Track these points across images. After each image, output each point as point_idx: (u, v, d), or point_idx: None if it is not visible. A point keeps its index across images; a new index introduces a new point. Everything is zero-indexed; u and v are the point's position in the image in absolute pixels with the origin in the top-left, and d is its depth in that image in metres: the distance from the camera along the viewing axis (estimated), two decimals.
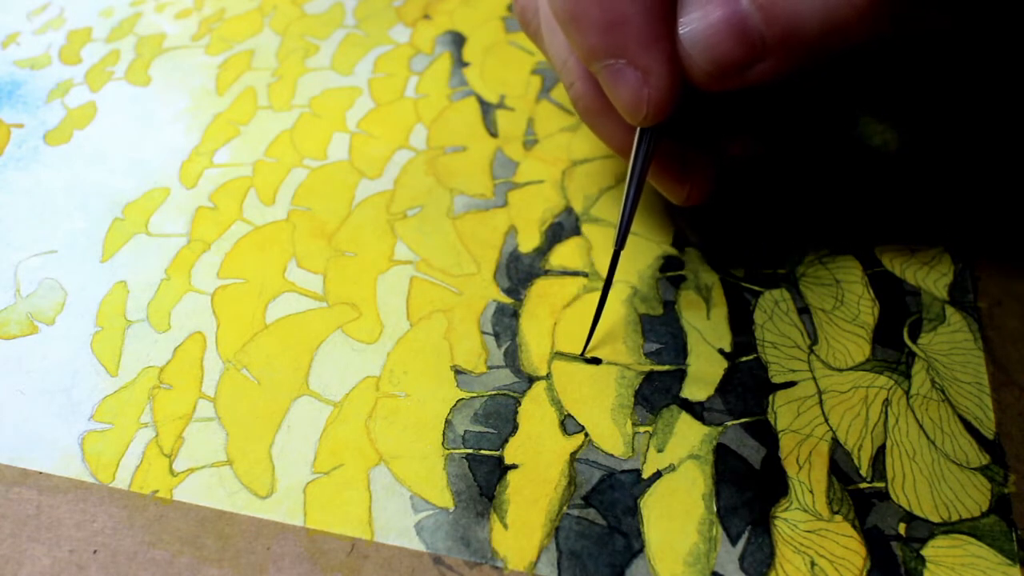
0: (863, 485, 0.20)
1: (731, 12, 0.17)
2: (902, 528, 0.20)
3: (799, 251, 0.25)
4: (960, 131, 0.28)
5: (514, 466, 0.21)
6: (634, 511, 0.20)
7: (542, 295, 0.24)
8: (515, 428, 0.21)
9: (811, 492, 0.20)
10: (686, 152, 0.22)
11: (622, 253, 0.21)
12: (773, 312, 0.24)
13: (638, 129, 0.20)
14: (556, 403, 0.22)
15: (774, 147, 0.23)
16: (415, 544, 0.19)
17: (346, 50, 0.32)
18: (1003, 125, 0.28)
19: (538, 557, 0.19)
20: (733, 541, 0.19)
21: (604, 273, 0.25)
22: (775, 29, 0.17)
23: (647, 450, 0.21)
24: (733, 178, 0.26)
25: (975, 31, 0.26)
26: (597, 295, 0.24)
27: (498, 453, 0.21)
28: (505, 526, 0.20)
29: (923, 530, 0.19)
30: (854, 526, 0.20)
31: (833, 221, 0.26)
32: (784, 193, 0.27)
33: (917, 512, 0.20)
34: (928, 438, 0.21)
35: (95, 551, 0.20)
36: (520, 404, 0.22)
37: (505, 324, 0.24)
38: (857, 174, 0.27)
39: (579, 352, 0.23)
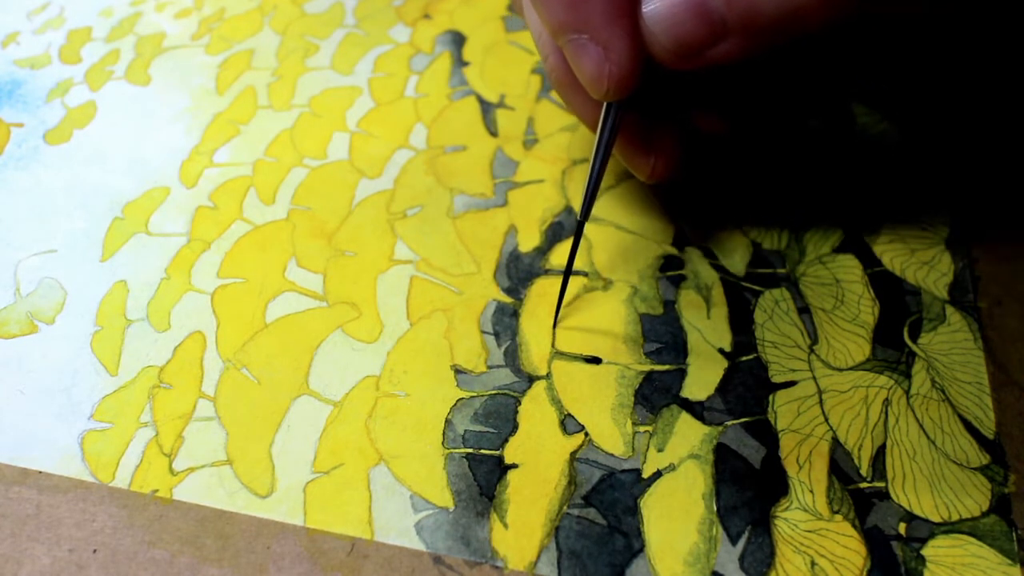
0: (863, 485, 0.20)
1: None
2: (902, 528, 0.19)
3: (798, 244, 0.25)
4: (957, 125, 0.28)
5: (514, 466, 0.21)
6: (634, 511, 0.20)
7: (542, 294, 0.24)
8: (515, 428, 0.21)
9: (811, 492, 0.20)
10: (652, 127, 0.22)
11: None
12: (773, 312, 0.24)
13: (604, 103, 0.20)
14: (556, 403, 0.22)
15: (739, 125, 0.24)
16: (415, 544, 0.19)
17: (346, 50, 0.32)
18: (1001, 120, 0.28)
19: (538, 557, 0.19)
20: (733, 541, 0.19)
21: (604, 273, 0.25)
22: (735, 11, 0.17)
23: (647, 450, 0.21)
24: (700, 156, 0.26)
25: (960, 18, 0.26)
26: (598, 295, 0.24)
27: (498, 453, 0.21)
28: (505, 526, 0.20)
29: (923, 530, 0.19)
30: (854, 526, 0.20)
31: (826, 210, 0.26)
32: (749, 174, 0.27)
33: (917, 512, 0.20)
34: (928, 438, 0.21)
35: (95, 550, 0.20)
36: (520, 404, 0.22)
37: (505, 323, 0.24)
38: (851, 164, 0.27)
39: (579, 351, 0.23)
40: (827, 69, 0.29)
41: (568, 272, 0.23)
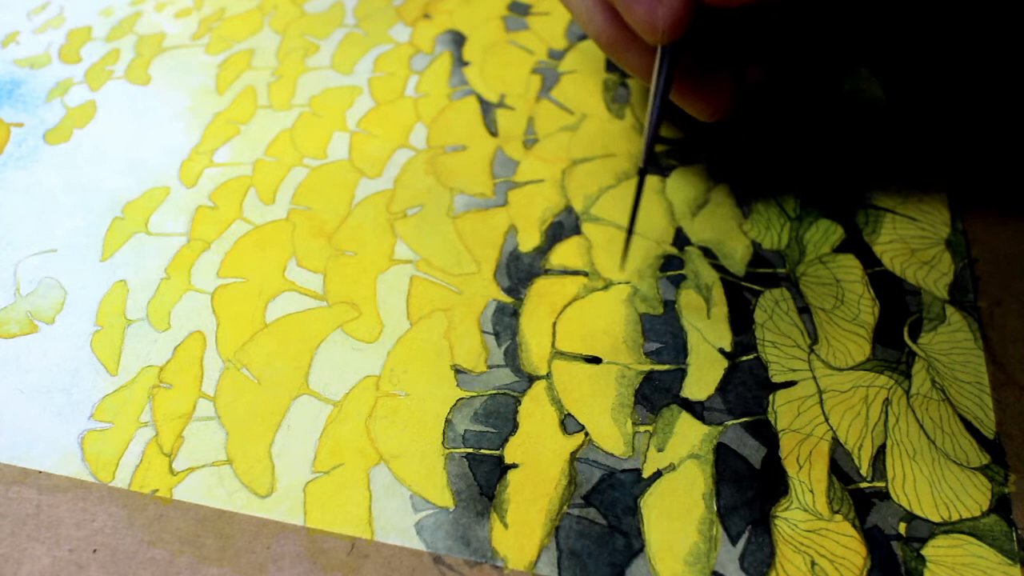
0: (863, 485, 0.20)
1: None
2: (902, 528, 0.19)
3: (798, 244, 0.25)
4: (958, 125, 0.28)
5: (514, 465, 0.21)
6: (634, 510, 0.20)
7: (542, 294, 0.24)
8: (515, 427, 0.21)
9: (811, 492, 0.20)
10: (705, 71, 0.23)
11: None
12: (773, 311, 0.24)
13: (658, 50, 0.21)
14: (556, 402, 0.22)
15: (779, 75, 0.24)
16: (415, 543, 0.19)
17: (346, 49, 0.32)
18: (1002, 119, 0.28)
19: (538, 556, 0.19)
20: (733, 540, 0.19)
21: (604, 273, 0.25)
22: None
23: (647, 449, 0.21)
24: (747, 104, 0.27)
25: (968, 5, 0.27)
26: (598, 295, 0.24)
27: (498, 452, 0.21)
28: (505, 525, 0.20)
29: (923, 530, 0.19)
30: (854, 526, 0.20)
31: (827, 210, 0.26)
32: (785, 126, 0.27)
33: (917, 512, 0.20)
34: (928, 438, 0.21)
35: (95, 550, 0.20)
36: (520, 403, 0.22)
37: (505, 323, 0.24)
38: (851, 163, 0.27)
39: (580, 351, 0.23)
40: (852, 26, 0.30)
41: (632, 224, 0.23)
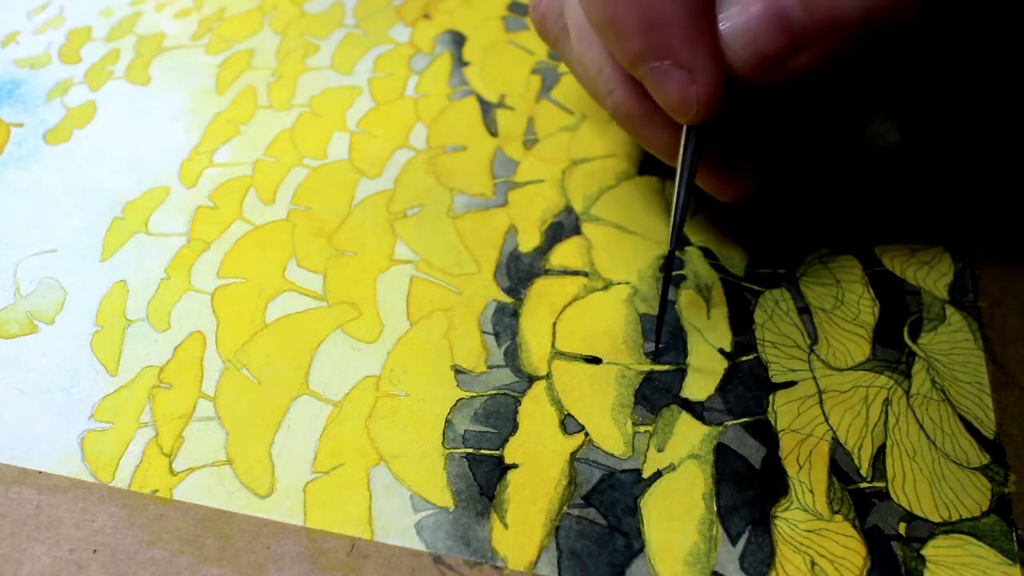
0: (863, 485, 0.20)
1: (771, 3, 0.18)
2: (902, 528, 0.19)
3: (801, 250, 0.25)
4: (961, 128, 0.28)
5: (514, 465, 0.21)
6: (634, 511, 0.20)
7: (542, 294, 0.24)
8: (515, 427, 0.21)
9: (811, 492, 0.20)
10: (729, 151, 0.22)
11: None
12: (773, 312, 0.24)
13: (684, 130, 0.20)
14: (556, 402, 0.22)
15: (793, 143, 0.24)
16: (415, 544, 0.19)
17: (346, 49, 0.32)
18: (1004, 123, 0.28)
19: (538, 556, 0.19)
20: (733, 541, 0.19)
21: (604, 273, 0.25)
22: (817, 17, 0.17)
23: (647, 449, 0.21)
24: (768, 174, 0.26)
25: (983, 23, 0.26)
26: (598, 295, 0.24)
27: (498, 452, 0.21)
28: (505, 525, 0.20)
29: (923, 530, 0.19)
30: (854, 526, 0.20)
31: (835, 219, 0.26)
32: (795, 188, 0.27)
33: (917, 512, 0.20)
34: (928, 438, 0.21)
35: (95, 550, 0.20)
36: (520, 403, 0.22)
37: (505, 323, 0.24)
38: (862, 173, 0.27)
39: (580, 351, 0.23)
40: (880, 77, 0.29)
41: (664, 302, 0.22)
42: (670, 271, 0.22)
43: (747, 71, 0.18)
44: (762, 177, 0.23)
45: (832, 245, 0.25)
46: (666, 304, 0.22)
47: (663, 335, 0.23)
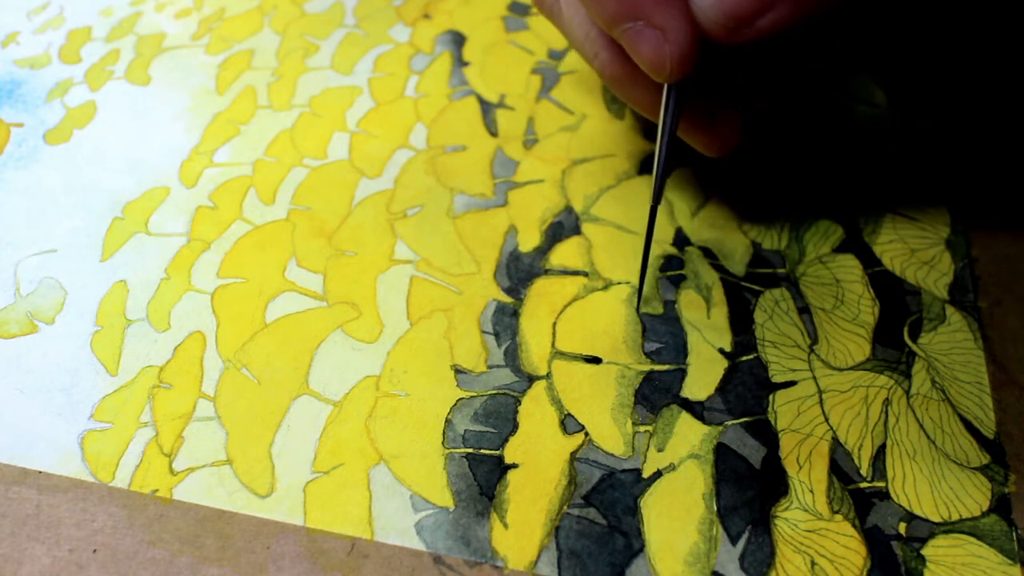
0: (863, 485, 0.20)
1: None
2: (902, 528, 0.19)
3: (798, 244, 0.25)
4: (958, 124, 0.28)
5: (514, 465, 0.21)
6: (634, 510, 0.20)
7: (542, 294, 0.24)
8: (515, 427, 0.21)
9: (811, 492, 0.20)
10: (712, 106, 0.23)
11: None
12: (773, 311, 0.24)
13: (665, 88, 0.21)
14: (556, 402, 0.22)
15: (784, 102, 0.24)
16: (415, 543, 0.19)
17: (346, 49, 0.32)
18: (1002, 119, 0.28)
19: (538, 556, 0.19)
20: (733, 541, 0.19)
21: (604, 273, 0.25)
22: None
23: (647, 449, 0.21)
24: (753, 133, 0.27)
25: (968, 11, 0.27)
26: (598, 295, 0.24)
27: (498, 452, 0.21)
28: (505, 525, 0.20)
29: (923, 530, 0.19)
30: (854, 526, 0.20)
31: (827, 210, 0.26)
32: (785, 150, 0.27)
33: (917, 512, 0.20)
34: (928, 438, 0.21)
35: (95, 550, 0.20)
36: (520, 403, 0.22)
37: (505, 323, 0.24)
38: (852, 163, 0.27)
39: (580, 351, 0.23)
40: (855, 40, 0.30)
41: (645, 259, 0.23)
42: (652, 223, 0.23)
43: (717, 31, 0.19)
44: (747, 133, 0.24)
45: (817, 214, 0.25)
46: (649, 253, 0.23)
47: (663, 334, 0.23)
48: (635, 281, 0.24)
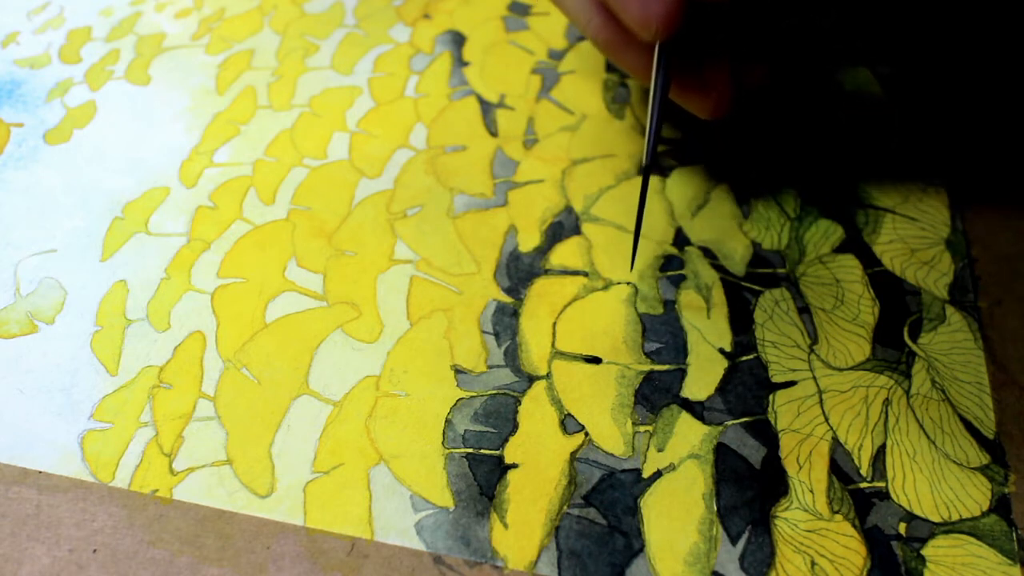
0: (863, 485, 0.20)
1: None
2: (902, 528, 0.19)
3: (798, 244, 0.25)
4: (959, 124, 0.28)
5: (514, 465, 0.21)
6: (634, 510, 0.20)
7: (542, 294, 0.24)
8: (515, 427, 0.21)
9: (811, 492, 0.20)
10: (702, 67, 0.23)
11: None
12: (773, 311, 0.24)
13: (655, 49, 0.21)
14: (556, 402, 0.22)
15: (779, 75, 0.24)
16: (415, 543, 0.19)
17: (346, 49, 0.32)
18: (1003, 118, 0.28)
19: (538, 556, 0.19)
20: (733, 541, 0.19)
21: (604, 273, 0.25)
22: None
23: (647, 449, 0.21)
24: (746, 106, 0.27)
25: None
26: (598, 295, 0.24)
27: (498, 452, 0.21)
28: (505, 525, 0.20)
29: (923, 530, 0.19)
30: (854, 526, 0.20)
31: (827, 209, 0.26)
32: (784, 150, 0.28)
33: (917, 512, 0.20)
34: (928, 438, 0.21)
35: (95, 550, 0.20)
36: (520, 403, 0.22)
37: (505, 323, 0.24)
38: (852, 163, 0.27)
39: (580, 351, 0.23)
40: (851, 23, 0.30)
41: (639, 222, 0.23)
42: (646, 187, 0.22)
43: None
44: (743, 96, 0.24)
45: (817, 214, 0.25)
46: (641, 220, 0.23)
47: (663, 334, 0.23)
48: (635, 281, 0.24)
